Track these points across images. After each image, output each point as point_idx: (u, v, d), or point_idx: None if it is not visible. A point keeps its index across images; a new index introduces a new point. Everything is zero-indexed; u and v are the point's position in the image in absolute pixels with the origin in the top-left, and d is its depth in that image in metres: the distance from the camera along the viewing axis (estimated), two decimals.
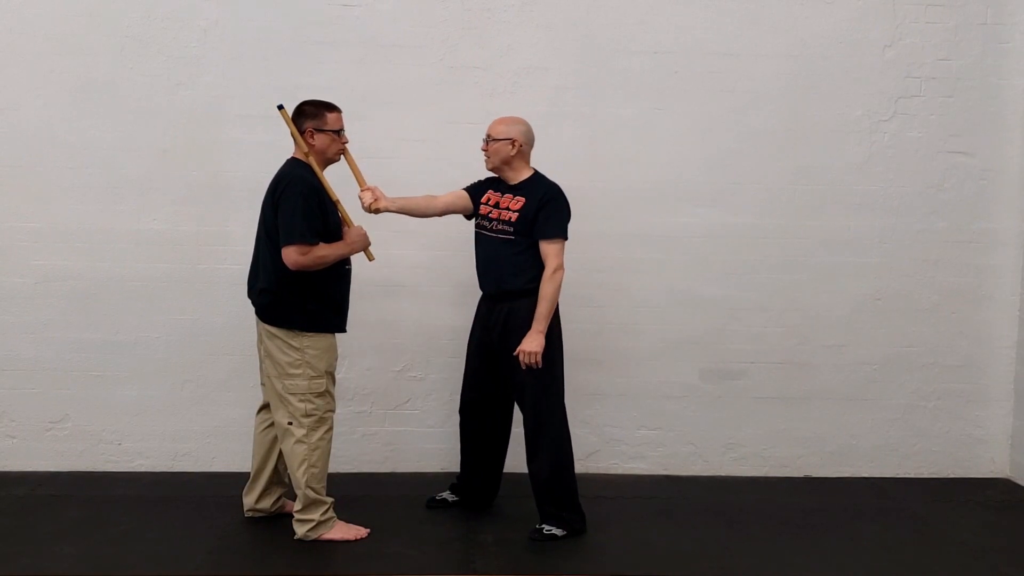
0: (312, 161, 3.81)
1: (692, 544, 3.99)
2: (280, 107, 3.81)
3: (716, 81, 4.81)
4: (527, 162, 4.09)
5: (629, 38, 4.78)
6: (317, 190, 3.77)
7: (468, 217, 4.20)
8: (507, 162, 4.03)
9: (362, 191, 3.98)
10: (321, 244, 3.72)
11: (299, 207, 3.67)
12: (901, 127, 4.89)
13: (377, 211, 3.97)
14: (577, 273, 4.66)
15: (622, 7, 4.77)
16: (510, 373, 4.02)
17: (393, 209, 4.01)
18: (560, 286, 3.93)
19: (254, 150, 4.57)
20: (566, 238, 3.98)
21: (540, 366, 3.89)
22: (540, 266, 3.94)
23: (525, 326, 3.92)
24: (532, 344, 3.87)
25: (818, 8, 4.83)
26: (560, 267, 3.93)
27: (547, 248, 3.93)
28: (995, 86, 4.90)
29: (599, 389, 4.88)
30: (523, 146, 4.03)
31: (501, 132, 4.02)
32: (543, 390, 3.97)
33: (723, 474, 4.96)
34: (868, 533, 4.18)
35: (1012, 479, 5.01)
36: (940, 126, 4.90)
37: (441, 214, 4.17)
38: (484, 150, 4.06)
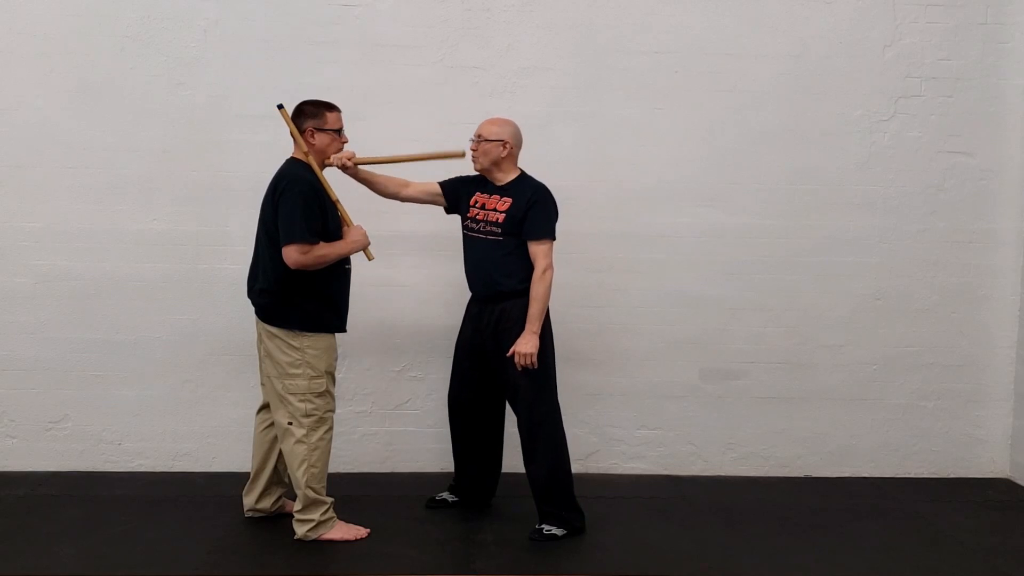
0: (312, 161, 3.81)
1: (692, 544, 3.99)
2: (280, 106, 3.81)
3: (716, 81, 4.81)
4: (515, 163, 4.09)
5: (629, 38, 4.78)
6: (317, 189, 3.77)
7: (448, 212, 4.21)
8: (496, 163, 4.03)
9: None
10: (321, 243, 3.72)
11: (299, 206, 3.67)
12: (901, 127, 4.89)
13: (344, 167, 3.90)
14: (577, 273, 4.68)
15: (622, 7, 4.77)
16: (502, 375, 4.02)
17: (360, 177, 4.01)
18: (550, 286, 3.93)
19: (254, 150, 4.57)
20: (554, 238, 3.98)
21: (536, 367, 3.89)
22: (530, 266, 3.95)
23: (517, 327, 3.92)
24: (527, 346, 3.87)
25: (818, 8, 4.83)
26: (549, 267, 3.93)
27: (535, 248, 3.93)
28: (995, 86, 4.90)
29: (599, 389, 4.88)
30: (513, 148, 4.04)
31: (493, 133, 4.02)
32: (537, 391, 3.97)
33: (723, 474, 4.96)
34: (868, 533, 4.18)
35: (1012, 479, 5.01)
36: (940, 126, 4.90)
37: (404, 201, 4.19)
38: (473, 150, 4.05)
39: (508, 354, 3.92)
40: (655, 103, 4.81)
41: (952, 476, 5.02)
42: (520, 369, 3.90)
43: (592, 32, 4.78)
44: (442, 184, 4.19)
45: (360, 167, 4.00)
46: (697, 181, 4.84)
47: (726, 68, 4.81)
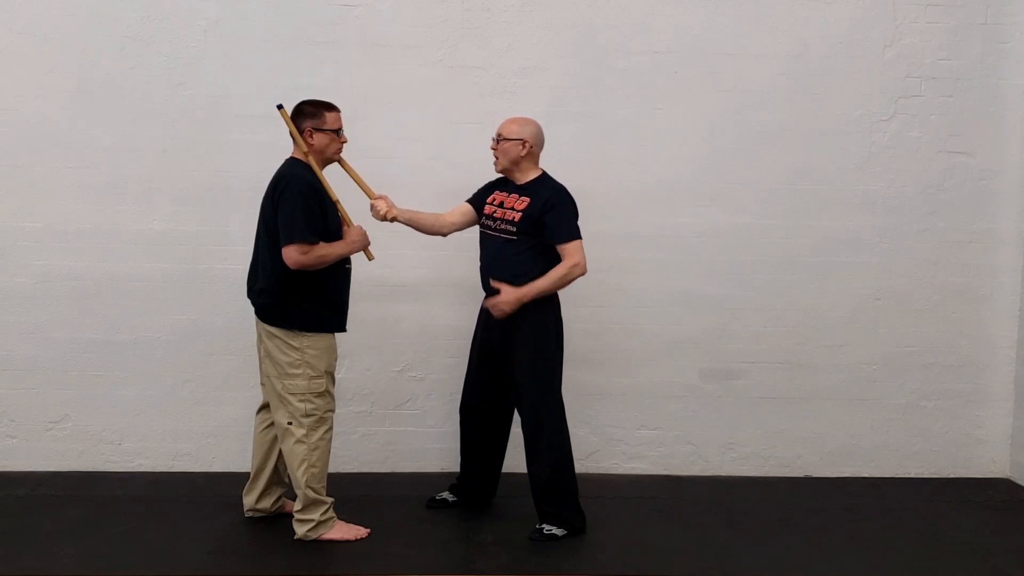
0: (311, 161, 3.81)
1: (692, 544, 3.99)
2: (280, 107, 3.81)
3: (716, 81, 4.81)
4: (536, 163, 4.08)
5: (629, 38, 4.78)
6: (317, 189, 3.77)
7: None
8: (516, 163, 4.03)
9: (375, 199, 4.00)
10: (321, 243, 3.73)
11: (299, 206, 3.67)
12: (901, 127, 4.89)
13: (395, 219, 4.01)
14: None
15: (622, 7, 4.77)
16: (508, 375, 4.02)
17: (402, 220, 4.06)
18: (569, 278, 3.90)
19: (254, 150, 4.56)
20: (580, 237, 3.97)
21: (503, 316, 3.89)
22: (541, 267, 3.94)
23: (524, 327, 3.92)
24: (508, 297, 3.87)
25: (818, 8, 4.83)
26: (578, 264, 3.91)
27: (565, 249, 3.91)
28: (995, 86, 4.90)
29: (599, 389, 4.88)
30: (533, 147, 4.03)
31: (513, 132, 4.01)
32: (541, 392, 3.97)
33: (723, 474, 4.96)
34: (868, 533, 4.18)
35: (1012, 479, 5.01)
36: (940, 126, 4.90)
37: (448, 234, 4.20)
38: (493, 149, 4.05)
39: (488, 303, 3.94)
40: (655, 103, 4.81)
41: (952, 476, 5.02)
42: (497, 314, 3.90)
43: (592, 32, 4.78)
44: (470, 201, 4.20)
45: (400, 213, 4.04)
46: (697, 181, 4.84)
47: (726, 68, 4.81)
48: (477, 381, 4.19)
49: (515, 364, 3.94)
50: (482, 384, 4.17)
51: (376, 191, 4.04)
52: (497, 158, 4.05)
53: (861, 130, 4.88)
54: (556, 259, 3.95)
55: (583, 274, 3.94)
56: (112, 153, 4.64)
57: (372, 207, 4.02)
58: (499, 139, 4.03)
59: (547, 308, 4.00)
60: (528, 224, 3.93)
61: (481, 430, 4.22)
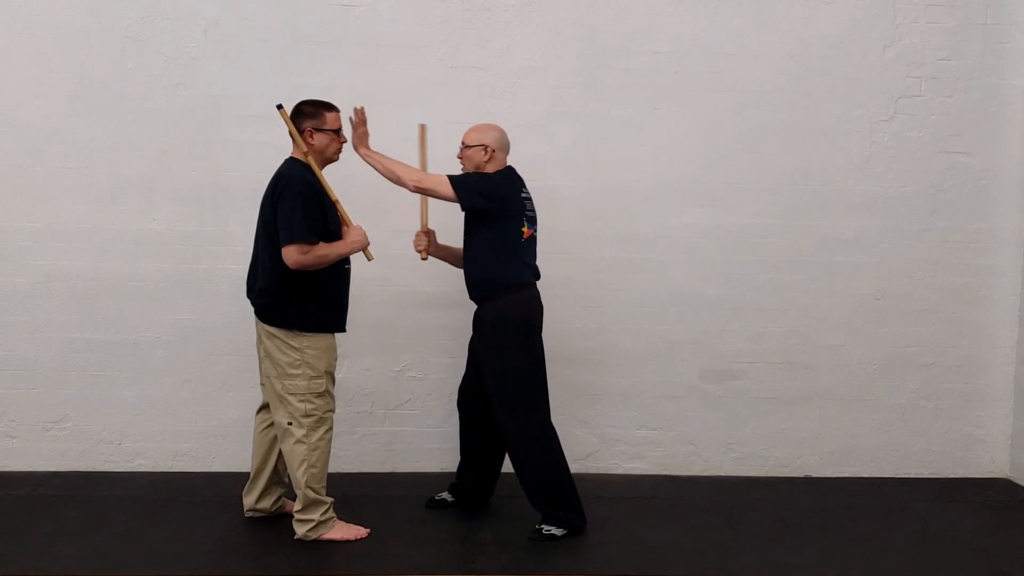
0: (311, 161, 3.82)
1: (692, 544, 3.99)
2: (279, 107, 3.81)
3: (716, 81, 4.81)
4: (500, 166, 4.08)
5: (629, 38, 4.78)
6: (316, 190, 3.77)
7: None
8: (479, 167, 4.05)
9: (424, 232, 4.12)
10: (321, 243, 3.73)
11: (299, 206, 3.67)
12: (901, 127, 4.89)
13: (427, 257, 4.13)
14: (577, 273, 4.69)
15: (622, 7, 4.77)
16: (484, 381, 4.04)
17: (436, 256, 4.18)
18: (396, 174, 3.93)
19: (254, 150, 4.56)
20: (457, 193, 3.89)
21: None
22: (490, 266, 3.96)
23: (487, 331, 3.96)
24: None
25: (818, 8, 4.83)
26: (422, 181, 3.93)
27: (440, 177, 3.93)
28: (995, 86, 4.90)
29: (599, 389, 4.88)
30: (496, 151, 4.05)
31: (474, 139, 4.06)
32: (514, 401, 3.95)
33: (723, 474, 4.96)
34: (868, 533, 4.18)
35: (1012, 479, 5.01)
36: (940, 126, 4.90)
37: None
38: (459, 158, 4.10)
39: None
40: (655, 103, 4.81)
41: (952, 476, 5.02)
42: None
43: (592, 32, 4.78)
44: None
45: (437, 251, 4.15)
46: (697, 181, 4.84)
47: (726, 68, 4.81)
48: (469, 372, 4.22)
49: (486, 374, 3.97)
50: (473, 376, 4.17)
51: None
52: (463, 166, 4.09)
53: (861, 130, 4.88)
54: (499, 232, 3.95)
55: (410, 185, 3.92)
56: (112, 153, 4.64)
57: (417, 238, 4.12)
58: (462, 147, 4.08)
59: (513, 314, 3.97)
60: (468, 217, 3.99)
61: (479, 421, 4.21)
